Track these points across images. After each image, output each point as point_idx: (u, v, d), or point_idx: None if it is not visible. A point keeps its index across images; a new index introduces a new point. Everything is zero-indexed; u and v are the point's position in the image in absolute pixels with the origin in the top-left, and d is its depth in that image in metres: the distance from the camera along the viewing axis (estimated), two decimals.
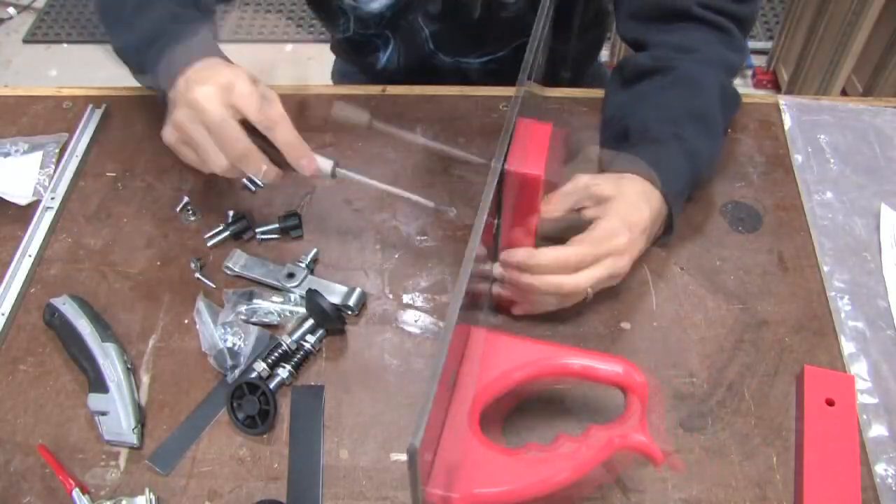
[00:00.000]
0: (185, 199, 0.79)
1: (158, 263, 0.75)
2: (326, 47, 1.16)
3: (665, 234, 0.73)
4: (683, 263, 0.74)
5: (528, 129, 0.60)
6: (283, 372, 0.66)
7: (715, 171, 0.80)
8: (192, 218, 0.79)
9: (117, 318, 0.71)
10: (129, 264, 0.75)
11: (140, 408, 0.64)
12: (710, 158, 0.75)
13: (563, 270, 0.63)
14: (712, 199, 0.79)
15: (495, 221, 0.63)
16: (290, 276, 0.72)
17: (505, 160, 0.58)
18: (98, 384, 0.64)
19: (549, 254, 0.63)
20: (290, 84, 0.91)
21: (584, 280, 0.64)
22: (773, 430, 0.63)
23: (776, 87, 2.18)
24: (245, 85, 0.64)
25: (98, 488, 0.61)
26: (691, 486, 0.60)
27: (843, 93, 1.90)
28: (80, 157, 0.83)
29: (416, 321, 0.71)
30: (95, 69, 2.39)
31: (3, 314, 0.71)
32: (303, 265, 0.73)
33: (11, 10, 2.65)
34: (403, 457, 0.61)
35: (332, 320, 0.67)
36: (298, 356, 0.67)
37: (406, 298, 0.72)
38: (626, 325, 0.70)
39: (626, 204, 0.66)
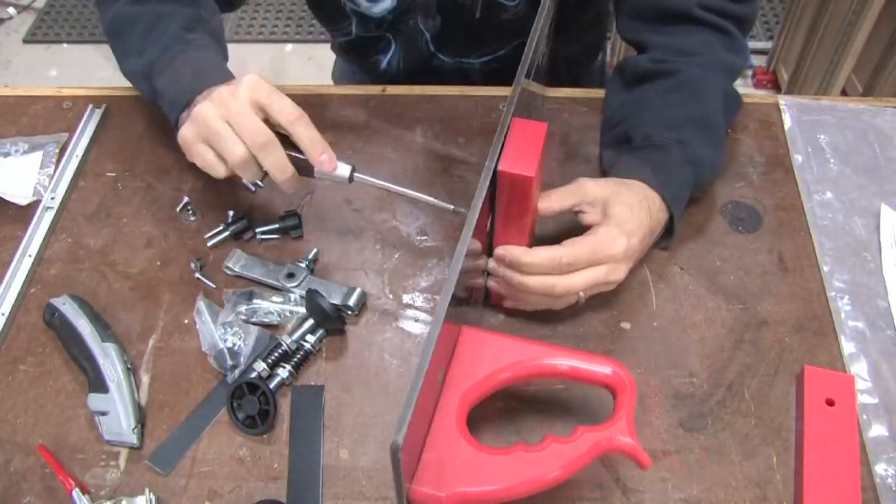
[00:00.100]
0: (185, 199, 0.79)
1: (158, 263, 0.75)
2: (326, 47, 1.16)
3: (665, 238, 0.73)
4: (683, 263, 0.74)
5: (524, 128, 0.60)
6: (283, 372, 0.66)
7: (718, 176, 0.80)
8: (192, 218, 0.79)
9: (117, 318, 0.71)
10: (129, 264, 0.75)
11: (140, 408, 0.64)
12: (713, 164, 0.75)
13: (554, 270, 0.63)
14: (712, 199, 0.79)
15: (488, 220, 0.63)
16: (290, 276, 0.72)
17: (499, 160, 0.58)
18: (98, 384, 0.64)
19: (542, 253, 0.63)
20: (290, 84, 0.91)
21: (576, 283, 0.64)
22: (773, 430, 0.63)
23: (776, 87, 2.18)
24: (265, 86, 0.63)
25: (98, 488, 0.61)
26: (691, 486, 0.60)
27: (843, 93, 1.90)
28: (80, 157, 0.83)
29: (416, 321, 0.71)
30: (95, 69, 2.39)
31: (3, 314, 0.71)
32: (303, 265, 0.73)
33: (11, 10, 2.65)
34: None
35: (332, 320, 0.67)
36: (298, 356, 0.67)
37: (406, 298, 0.72)
38: (626, 325, 0.70)
39: (626, 211, 0.65)
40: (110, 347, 0.66)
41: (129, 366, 0.66)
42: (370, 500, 0.60)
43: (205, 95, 0.66)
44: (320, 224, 0.78)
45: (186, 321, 0.71)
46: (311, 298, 0.67)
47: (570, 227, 0.69)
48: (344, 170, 0.66)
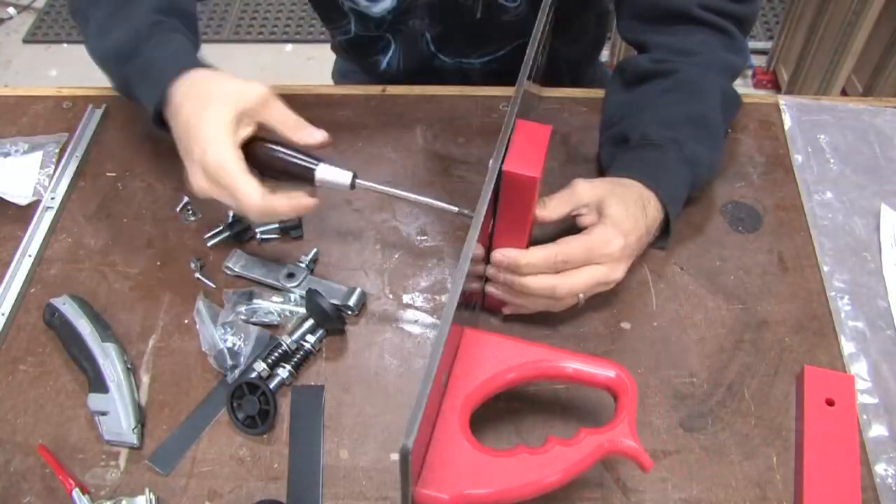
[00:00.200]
0: (185, 199, 0.79)
1: (158, 263, 0.75)
2: (326, 47, 1.16)
3: (662, 238, 0.73)
4: (683, 263, 0.74)
5: (528, 129, 0.60)
6: (283, 372, 0.66)
7: (717, 175, 0.80)
8: (192, 218, 0.79)
9: (117, 318, 0.71)
10: (129, 264, 0.75)
11: (140, 408, 0.64)
12: (711, 163, 0.75)
13: (550, 268, 0.63)
14: (712, 199, 0.79)
15: (491, 221, 0.63)
16: (290, 276, 0.72)
17: (503, 161, 0.58)
18: (98, 384, 0.64)
19: (538, 253, 0.63)
20: (290, 84, 0.91)
21: (577, 284, 0.64)
22: (773, 430, 0.63)
23: (776, 87, 2.18)
24: (230, 91, 0.63)
25: (98, 488, 0.61)
26: (691, 486, 0.60)
27: (843, 93, 1.90)
28: (80, 157, 0.83)
29: (416, 321, 0.71)
30: (95, 69, 2.38)
31: (3, 314, 0.71)
32: (303, 265, 0.73)
33: (11, 10, 2.65)
34: None
35: (332, 320, 0.67)
36: (298, 356, 0.67)
37: (406, 298, 0.72)
38: (626, 325, 0.70)
39: (621, 211, 0.65)
40: (110, 347, 0.66)
41: (129, 366, 0.66)
42: (370, 500, 0.60)
43: (180, 106, 0.63)
44: (320, 224, 0.78)
45: (186, 321, 0.71)
46: (311, 298, 0.67)
47: (569, 230, 0.69)
48: (345, 177, 0.65)
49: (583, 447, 0.54)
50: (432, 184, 0.81)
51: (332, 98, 0.90)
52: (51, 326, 0.69)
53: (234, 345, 0.66)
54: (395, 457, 0.62)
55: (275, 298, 0.71)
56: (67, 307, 0.68)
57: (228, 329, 0.67)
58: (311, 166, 0.65)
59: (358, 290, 0.71)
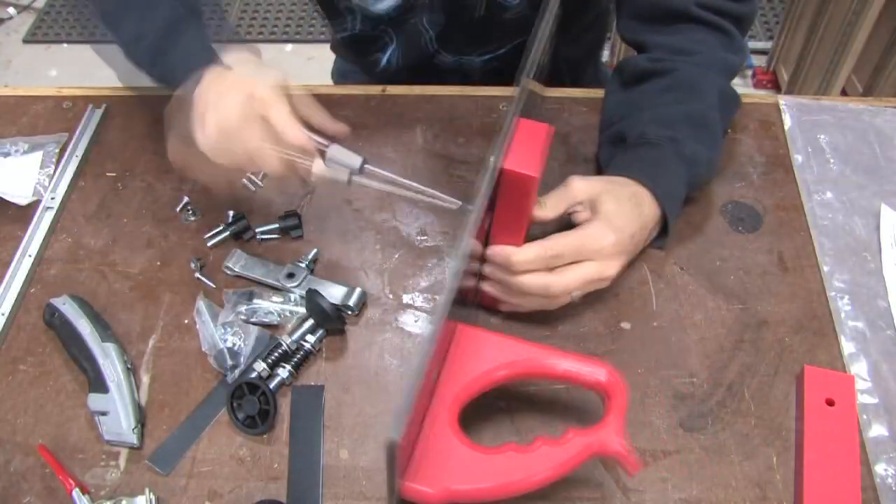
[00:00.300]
0: (185, 199, 0.79)
1: (158, 263, 0.75)
2: (326, 47, 1.16)
3: (660, 238, 0.73)
4: (683, 263, 0.74)
5: (529, 128, 0.60)
6: (283, 372, 0.66)
7: (715, 174, 0.80)
8: (192, 218, 0.79)
9: (117, 318, 0.71)
10: (129, 264, 0.75)
11: (140, 408, 0.64)
12: (709, 162, 0.75)
13: (542, 265, 0.63)
14: (712, 199, 0.79)
15: (488, 221, 0.63)
16: (290, 276, 0.72)
17: (501, 158, 0.58)
18: (98, 384, 0.64)
19: (530, 249, 0.63)
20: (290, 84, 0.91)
21: (571, 281, 0.64)
22: (773, 430, 0.63)
23: (776, 87, 2.18)
24: (264, 89, 0.64)
25: (98, 488, 0.61)
26: (691, 486, 0.60)
27: (843, 93, 1.90)
28: (80, 157, 0.83)
29: (416, 321, 0.71)
30: (95, 69, 2.37)
31: (3, 314, 0.71)
32: (303, 265, 0.73)
33: (11, 10, 2.65)
34: None
35: (332, 320, 0.67)
36: (298, 356, 0.67)
37: (406, 298, 0.72)
38: (626, 325, 0.70)
39: (614, 207, 0.65)
40: (110, 347, 0.66)
41: (129, 366, 0.66)
42: (370, 500, 0.60)
43: (206, 93, 0.65)
44: (320, 224, 0.78)
45: (186, 321, 0.71)
46: (311, 298, 0.67)
47: (565, 227, 0.69)
48: (355, 160, 0.66)
49: (570, 447, 0.54)
50: (432, 184, 0.81)
51: (332, 98, 0.90)
52: (51, 326, 0.69)
53: (234, 345, 0.66)
54: None
55: (275, 298, 0.71)
56: (67, 307, 0.68)
57: (228, 329, 0.67)
58: (324, 146, 0.65)
59: (358, 290, 0.71)
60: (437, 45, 0.95)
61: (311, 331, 0.68)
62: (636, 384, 0.66)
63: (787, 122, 0.87)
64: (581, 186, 0.67)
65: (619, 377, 0.57)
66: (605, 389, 0.57)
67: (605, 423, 0.55)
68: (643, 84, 0.78)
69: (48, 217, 0.78)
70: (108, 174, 0.83)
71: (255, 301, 0.71)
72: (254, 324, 0.69)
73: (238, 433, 0.64)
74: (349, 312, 0.71)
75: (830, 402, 0.63)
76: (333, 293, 0.71)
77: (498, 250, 0.64)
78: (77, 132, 0.86)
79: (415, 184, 0.67)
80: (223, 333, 0.67)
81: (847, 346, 0.68)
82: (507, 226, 0.63)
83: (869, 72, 1.83)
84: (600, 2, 0.98)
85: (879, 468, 0.61)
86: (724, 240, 0.76)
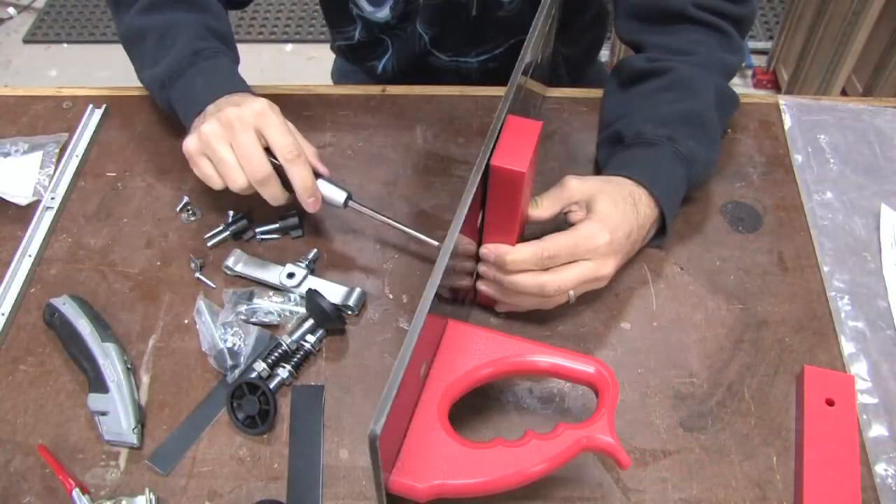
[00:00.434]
0: (185, 199, 0.79)
1: (158, 263, 0.75)
2: (326, 47, 1.16)
3: (659, 238, 0.73)
4: (683, 263, 0.74)
5: (518, 125, 0.60)
6: (283, 372, 0.66)
7: (714, 173, 0.80)
8: (192, 218, 0.79)
9: (117, 318, 0.71)
10: (129, 264, 0.75)
11: (140, 408, 0.64)
12: (707, 161, 0.75)
13: (537, 265, 0.63)
14: (712, 199, 0.79)
15: (479, 218, 0.63)
16: (290, 276, 0.72)
17: (491, 155, 0.58)
18: (98, 384, 0.64)
19: (525, 249, 0.63)
20: (290, 84, 0.91)
21: (566, 281, 0.64)
22: (773, 430, 0.63)
23: (776, 87, 2.18)
24: (274, 115, 0.67)
25: (98, 488, 0.61)
26: (691, 486, 0.60)
27: (843, 93, 1.90)
28: (80, 157, 0.83)
29: None
30: (95, 69, 2.39)
31: (3, 314, 0.71)
32: (303, 265, 0.73)
33: (11, 10, 2.65)
34: None
35: (332, 320, 0.67)
36: (298, 356, 0.67)
37: (406, 298, 0.72)
38: (626, 325, 0.70)
39: (609, 206, 0.65)
40: (110, 347, 0.66)
41: (129, 366, 0.66)
42: (370, 500, 0.60)
43: (217, 106, 0.68)
44: (320, 224, 0.78)
45: (186, 321, 0.71)
46: (311, 298, 0.67)
47: (561, 227, 0.69)
48: (339, 195, 0.70)
49: (560, 442, 0.54)
50: (432, 184, 0.81)
51: (332, 98, 0.90)
52: (51, 326, 0.69)
53: (234, 345, 0.66)
54: None
55: (275, 298, 0.71)
56: (67, 307, 0.68)
57: (228, 329, 0.67)
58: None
59: (358, 290, 0.71)
60: (433, 47, 0.95)
61: (311, 331, 0.68)
62: (636, 384, 0.66)
63: (787, 122, 0.87)
64: (576, 186, 0.67)
65: (609, 372, 0.57)
66: (595, 384, 0.57)
67: (597, 417, 0.55)
68: (641, 84, 0.78)
69: (48, 217, 0.78)
70: (108, 174, 0.83)
71: (255, 301, 0.71)
72: (254, 324, 0.69)
73: (238, 433, 0.64)
74: (349, 312, 0.71)
75: (830, 402, 0.63)
76: (333, 293, 0.71)
77: (491, 248, 0.64)
78: (77, 132, 0.86)
79: (396, 223, 0.70)
80: (223, 333, 0.67)
81: (847, 346, 0.68)
82: (500, 223, 0.63)
83: (869, 72, 1.83)
84: (599, 1, 0.98)
85: (879, 468, 0.61)
86: (724, 240, 0.76)
